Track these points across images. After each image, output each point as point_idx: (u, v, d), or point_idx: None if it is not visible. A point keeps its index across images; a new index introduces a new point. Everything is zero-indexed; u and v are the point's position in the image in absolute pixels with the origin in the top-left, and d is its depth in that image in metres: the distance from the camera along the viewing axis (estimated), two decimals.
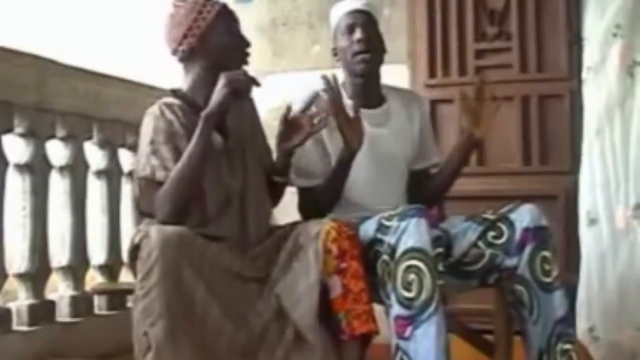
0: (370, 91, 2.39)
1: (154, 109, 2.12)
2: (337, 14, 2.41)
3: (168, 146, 2.05)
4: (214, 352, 1.89)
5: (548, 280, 2.18)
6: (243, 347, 1.92)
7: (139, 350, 1.87)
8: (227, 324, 1.90)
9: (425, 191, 2.46)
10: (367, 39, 2.33)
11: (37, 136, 2.69)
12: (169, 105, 2.12)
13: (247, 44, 2.20)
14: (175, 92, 2.18)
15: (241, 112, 2.23)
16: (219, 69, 2.10)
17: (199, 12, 2.13)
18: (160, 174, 2.03)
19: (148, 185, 2.06)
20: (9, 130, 2.58)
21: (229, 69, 2.10)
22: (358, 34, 2.32)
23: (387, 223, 2.06)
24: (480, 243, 2.25)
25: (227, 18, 2.18)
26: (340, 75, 2.42)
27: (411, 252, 1.99)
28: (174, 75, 2.25)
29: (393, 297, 2.01)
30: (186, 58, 2.16)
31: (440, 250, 2.05)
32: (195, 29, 2.12)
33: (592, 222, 2.81)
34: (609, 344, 2.74)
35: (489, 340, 2.50)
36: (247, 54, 2.20)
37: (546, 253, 2.19)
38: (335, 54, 2.43)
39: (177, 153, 2.04)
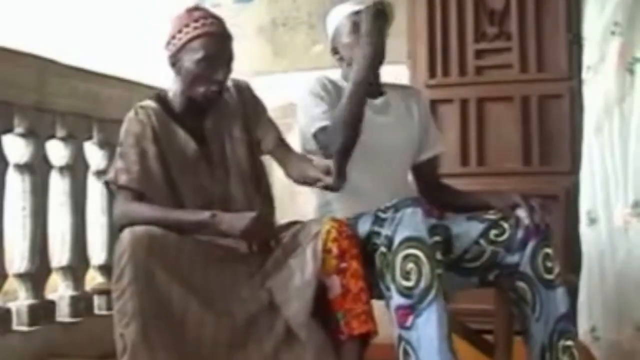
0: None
1: (130, 112, 2.12)
2: (339, 15, 2.41)
3: (135, 149, 2.06)
4: (197, 348, 1.88)
5: (550, 277, 2.18)
6: (229, 338, 1.92)
7: (118, 351, 1.89)
8: (209, 317, 1.90)
9: (442, 198, 2.46)
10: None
11: (37, 136, 2.69)
12: (144, 108, 2.12)
13: (218, 76, 2.07)
14: (157, 95, 2.18)
15: (221, 114, 2.19)
16: (187, 92, 2.11)
17: (179, 31, 2.08)
18: (122, 178, 2.05)
19: (113, 187, 2.09)
20: (9, 130, 2.59)
21: (194, 94, 2.09)
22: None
23: (383, 215, 2.07)
24: (481, 240, 2.25)
25: (205, 44, 2.06)
26: (340, 72, 2.43)
27: (408, 241, 1.99)
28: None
29: (393, 288, 2.01)
30: (172, 69, 2.14)
31: (437, 238, 2.04)
32: (171, 45, 2.10)
33: (592, 221, 2.81)
34: (609, 344, 2.74)
35: (489, 340, 2.50)
36: (215, 87, 2.08)
37: (548, 250, 2.20)
38: (335, 53, 2.43)
39: (144, 157, 2.05)
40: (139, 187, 2.04)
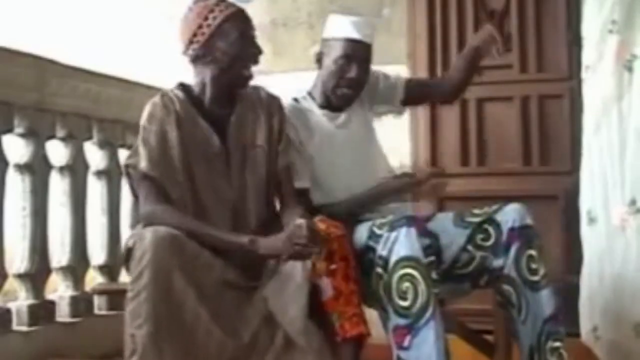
0: (339, 107, 2.38)
1: (155, 97, 2.11)
2: (338, 31, 2.33)
3: (157, 136, 2.05)
4: (204, 358, 1.87)
5: (535, 278, 2.18)
6: (233, 355, 1.90)
7: (127, 351, 1.87)
8: (217, 330, 1.88)
9: (438, 90, 2.62)
10: (358, 80, 2.30)
11: (37, 136, 2.69)
12: (169, 94, 2.11)
13: (256, 50, 2.11)
14: (182, 86, 2.16)
15: (247, 116, 2.18)
16: (224, 75, 2.10)
17: (205, 18, 2.07)
18: (143, 164, 2.03)
19: (133, 172, 2.07)
20: (9, 130, 2.58)
21: (234, 76, 2.10)
22: (353, 73, 2.29)
23: (378, 231, 2.08)
24: (469, 247, 2.25)
25: (235, 24, 2.09)
26: (313, 78, 2.42)
27: (403, 261, 2.00)
28: (174, 75, 2.24)
29: (390, 309, 2.02)
30: (193, 62, 2.13)
31: (432, 258, 2.05)
32: (199, 36, 2.07)
33: (592, 220, 2.81)
34: (609, 344, 2.74)
35: (489, 340, 2.50)
36: (254, 61, 2.13)
37: (532, 252, 2.19)
38: (318, 60, 2.38)
39: (165, 143, 2.04)
40: (158, 176, 2.02)
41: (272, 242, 1.95)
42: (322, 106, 2.38)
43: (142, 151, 2.04)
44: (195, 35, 2.07)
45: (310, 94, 2.42)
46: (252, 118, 2.18)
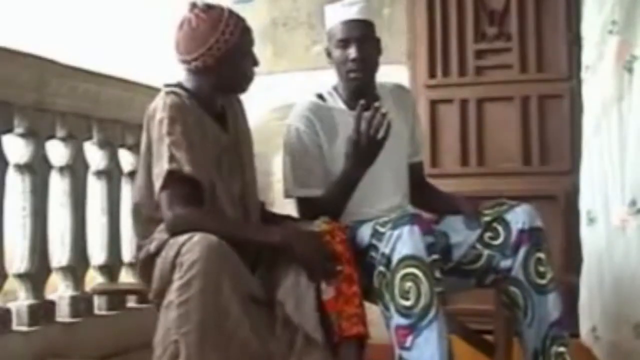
0: (364, 94, 2.31)
1: (163, 99, 2.05)
2: (333, 18, 2.33)
3: (185, 138, 2.00)
4: None
5: (542, 282, 2.18)
6: None
7: (164, 355, 1.87)
8: (253, 342, 1.90)
9: (423, 198, 2.47)
10: (362, 59, 2.27)
11: (37, 136, 2.68)
12: (177, 94, 2.07)
13: (256, 64, 2.16)
14: (179, 85, 2.13)
15: (237, 113, 2.23)
16: (227, 85, 2.12)
17: (222, 33, 2.05)
18: (187, 169, 1.97)
19: (172, 177, 1.98)
20: (9, 130, 2.58)
21: (236, 87, 2.14)
22: (353, 53, 2.26)
23: (381, 229, 2.06)
24: (478, 244, 2.25)
25: (246, 40, 2.12)
26: (334, 77, 2.39)
27: (406, 260, 1.98)
28: (174, 75, 2.23)
29: (392, 308, 2.01)
30: (196, 71, 2.10)
31: (435, 257, 2.03)
32: (214, 50, 2.05)
33: (592, 221, 2.81)
34: (609, 344, 2.74)
35: (489, 340, 2.50)
36: (253, 75, 2.17)
37: (541, 255, 2.19)
38: (328, 55, 2.37)
39: (194, 144, 2.01)
40: (202, 178, 1.99)
41: (307, 250, 1.98)
42: (349, 100, 2.33)
43: (179, 155, 1.98)
44: (210, 48, 2.05)
45: (335, 88, 2.38)
46: (241, 119, 2.24)
